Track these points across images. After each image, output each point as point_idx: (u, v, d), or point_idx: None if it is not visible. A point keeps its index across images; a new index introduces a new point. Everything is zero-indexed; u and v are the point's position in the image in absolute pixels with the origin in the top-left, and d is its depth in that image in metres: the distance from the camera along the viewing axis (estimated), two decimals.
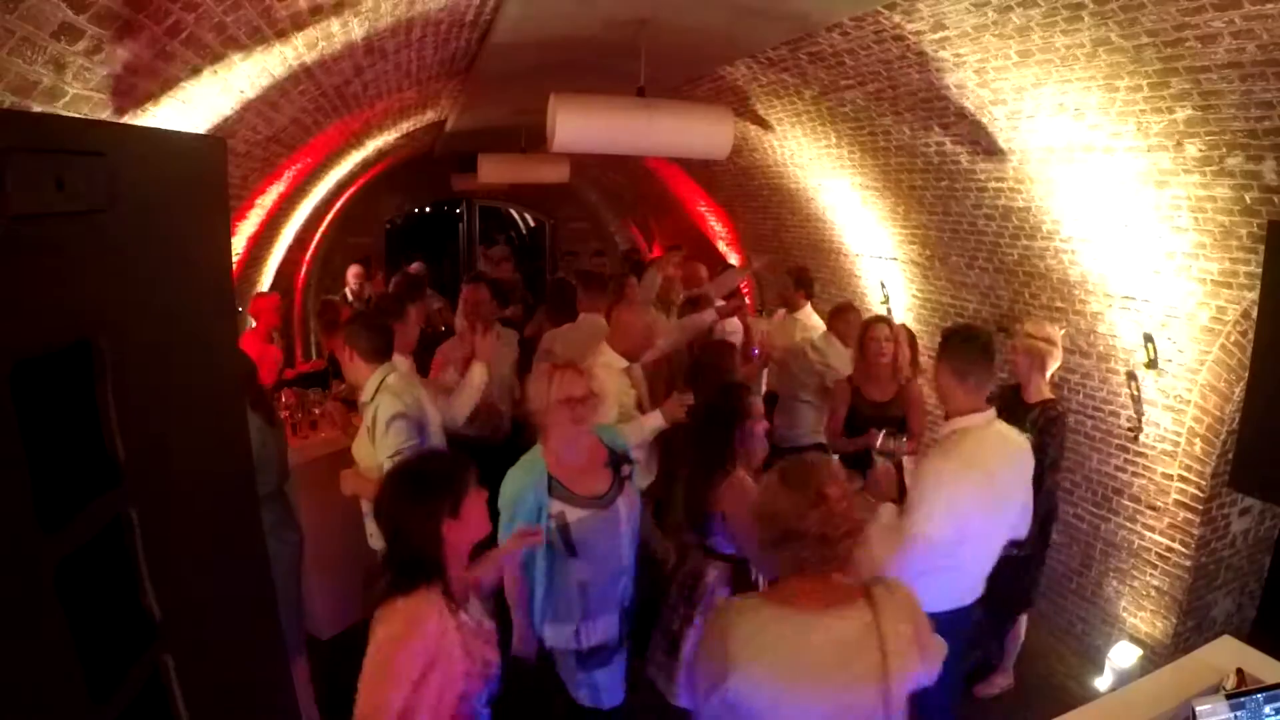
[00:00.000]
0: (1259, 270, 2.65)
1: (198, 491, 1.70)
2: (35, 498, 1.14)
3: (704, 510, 2.69)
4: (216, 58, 2.31)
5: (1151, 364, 3.35)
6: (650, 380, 3.93)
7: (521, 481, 2.43)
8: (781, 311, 5.42)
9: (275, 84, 2.95)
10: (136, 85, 2.03)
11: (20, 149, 1.13)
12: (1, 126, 1.18)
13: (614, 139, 3.95)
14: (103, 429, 1.36)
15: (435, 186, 10.27)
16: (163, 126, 2.31)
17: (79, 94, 1.78)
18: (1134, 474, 3.58)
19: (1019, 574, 3.17)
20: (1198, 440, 3.24)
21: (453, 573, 1.80)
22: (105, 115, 1.96)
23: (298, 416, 4.43)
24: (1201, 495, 3.26)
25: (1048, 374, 3.37)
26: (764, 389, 5.00)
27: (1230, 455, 2.99)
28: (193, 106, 2.48)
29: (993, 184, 3.74)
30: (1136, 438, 3.54)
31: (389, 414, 2.75)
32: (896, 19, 2.93)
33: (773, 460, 3.14)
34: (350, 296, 7.17)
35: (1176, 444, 3.35)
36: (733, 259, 8.01)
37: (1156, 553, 3.50)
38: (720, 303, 4.76)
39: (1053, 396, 3.36)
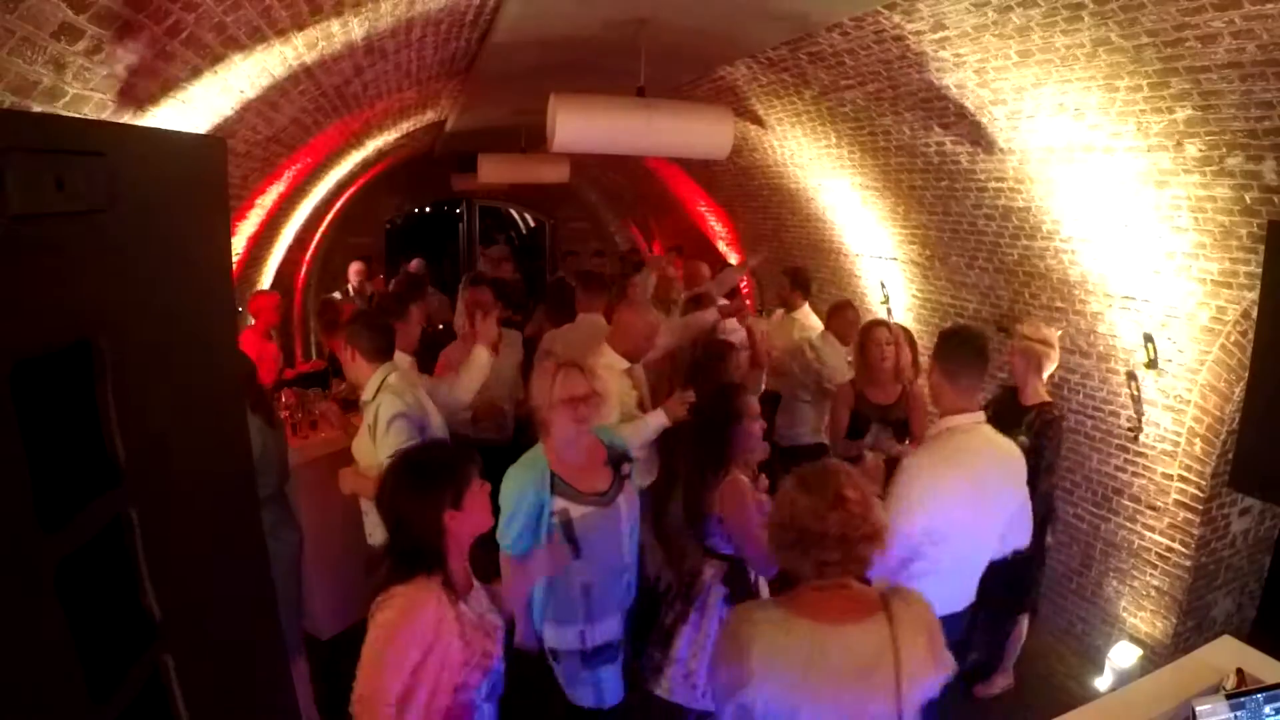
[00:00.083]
0: (1259, 270, 2.65)
1: (198, 491, 1.70)
2: (35, 498, 1.14)
3: (701, 511, 2.70)
4: (216, 58, 2.31)
5: (1151, 364, 3.35)
6: (654, 380, 3.93)
7: (523, 479, 2.43)
8: (780, 311, 5.43)
9: (275, 84, 2.95)
10: (136, 85, 2.03)
11: (20, 149, 1.13)
12: (1, 126, 1.18)
13: (614, 139, 3.95)
14: (103, 429, 1.36)
15: (435, 186, 10.27)
16: (163, 126, 2.31)
17: (79, 94, 1.78)
18: (1134, 474, 3.58)
19: (1018, 575, 3.17)
20: (1198, 440, 3.24)
21: (453, 563, 1.80)
22: (105, 115, 1.96)
23: (298, 417, 4.43)
24: (1201, 495, 3.26)
25: (1044, 376, 3.37)
26: (762, 388, 5.00)
27: (1230, 455, 2.99)
28: (193, 106, 2.48)
29: (993, 184, 3.74)
30: (1136, 438, 3.54)
31: (390, 413, 2.75)
32: (896, 19, 2.93)
33: (774, 459, 3.16)
34: (351, 292, 7.18)
35: (1176, 444, 3.35)
36: (733, 259, 8.01)
37: (1156, 553, 3.50)
38: (723, 302, 4.77)
39: (1050, 399, 3.36)
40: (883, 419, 3.55)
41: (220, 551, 1.79)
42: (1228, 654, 2.34)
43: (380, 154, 6.82)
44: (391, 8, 2.79)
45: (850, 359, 4.34)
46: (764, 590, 2.84)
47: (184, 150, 1.82)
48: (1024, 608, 3.57)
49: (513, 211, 13.44)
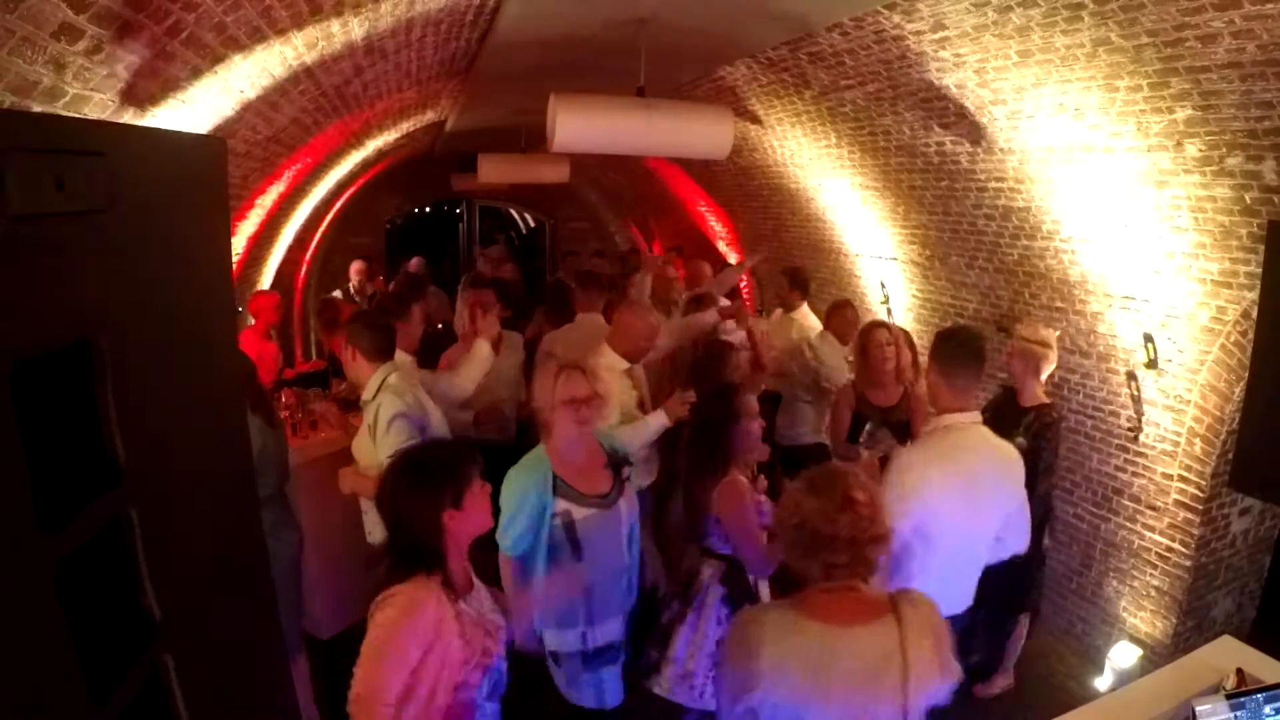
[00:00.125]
0: (1259, 270, 2.65)
1: (198, 491, 1.70)
2: (35, 498, 1.14)
3: (700, 511, 2.70)
4: (216, 58, 2.31)
5: (1151, 364, 3.35)
6: (654, 380, 3.93)
7: (525, 480, 2.43)
8: (779, 311, 5.44)
9: (275, 84, 2.95)
10: (136, 85, 2.03)
11: (20, 149, 1.13)
12: (1, 126, 1.18)
13: (614, 139, 3.96)
14: (103, 429, 1.36)
15: (435, 186, 10.27)
16: (163, 126, 2.31)
17: (79, 94, 1.78)
18: (1134, 474, 3.58)
19: (1018, 576, 3.17)
20: (1198, 440, 3.24)
21: (453, 563, 1.80)
22: (105, 115, 1.96)
23: (297, 416, 4.43)
24: (1201, 495, 3.26)
25: (1042, 377, 3.37)
26: (762, 388, 5.00)
27: (1230, 455, 2.99)
28: (193, 106, 2.48)
29: (993, 184, 3.74)
30: (1136, 438, 3.54)
31: (391, 413, 2.75)
32: (896, 19, 2.93)
33: (776, 459, 3.16)
34: (353, 291, 7.17)
35: (1176, 444, 3.35)
36: (733, 259, 8.01)
37: (1156, 553, 3.50)
38: (725, 302, 4.77)
39: (1048, 401, 3.37)
40: (884, 420, 3.55)
41: (220, 551, 1.79)
42: (1228, 654, 2.34)
43: (380, 154, 6.82)
44: (391, 8, 2.79)
45: (849, 359, 4.34)
46: (763, 590, 2.85)
47: (184, 150, 1.82)
48: (1024, 608, 3.57)
49: (513, 211, 13.44)
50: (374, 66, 3.55)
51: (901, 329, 4.17)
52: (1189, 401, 3.25)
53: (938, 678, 1.63)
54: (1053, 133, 3.14)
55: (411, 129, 6.27)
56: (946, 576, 2.42)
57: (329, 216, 8.15)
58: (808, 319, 5.20)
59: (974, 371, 2.49)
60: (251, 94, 2.87)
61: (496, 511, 2.01)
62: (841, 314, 4.68)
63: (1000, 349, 3.87)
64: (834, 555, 1.62)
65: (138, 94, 2.08)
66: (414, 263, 8.25)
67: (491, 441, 4.05)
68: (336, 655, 1.78)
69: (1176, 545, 3.40)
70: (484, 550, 2.09)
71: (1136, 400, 3.49)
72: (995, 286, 4.27)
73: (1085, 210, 3.35)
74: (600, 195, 11.00)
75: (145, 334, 1.50)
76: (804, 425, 4.66)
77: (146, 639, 1.44)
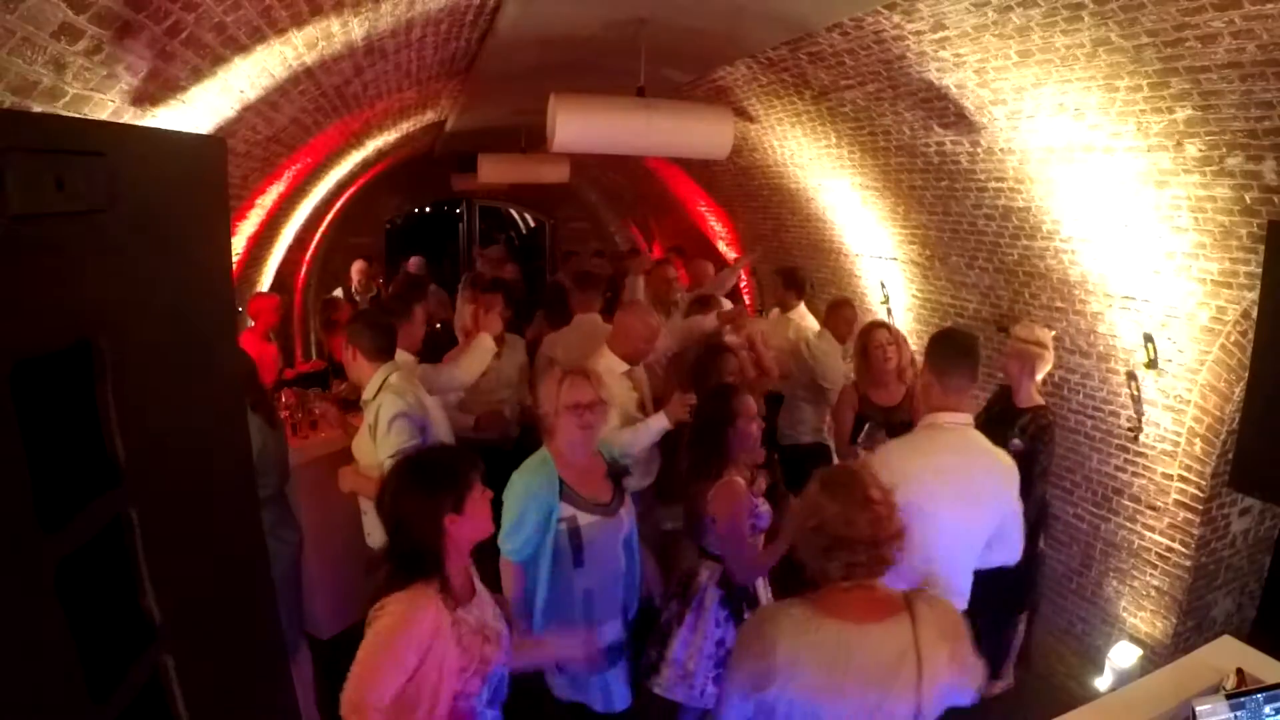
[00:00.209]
0: (1259, 270, 2.65)
1: (198, 491, 1.70)
2: (35, 498, 1.14)
3: (698, 511, 2.70)
4: (216, 58, 2.31)
5: (1151, 364, 3.35)
6: (654, 382, 3.93)
7: (532, 484, 2.42)
8: (775, 311, 5.45)
9: (275, 84, 2.95)
10: (136, 85, 2.03)
11: (20, 149, 1.13)
12: (1, 126, 1.18)
13: (614, 139, 3.96)
14: (103, 429, 1.36)
15: (435, 186, 10.27)
16: (163, 126, 2.31)
17: (79, 94, 1.78)
18: (1134, 474, 3.58)
19: (1017, 577, 3.16)
20: (1198, 440, 3.24)
21: (452, 569, 1.80)
22: (106, 115, 1.96)
23: (298, 416, 4.43)
24: (1201, 495, 3.26)
25: (1038, 378, 3.38)
26: (766, 391, 5.01)
27: (1230, 455, 2.99)
28: (193, 107, 2.48)
29: (993, 184, 3.74)
30: (1136, 438, 3.54)
31: (391, 413, 2.75)
32: (896, 19, 2.93)
33: (779, 459, 3.16)
34: (354, 291, 7.17)
35: (1176, 444, 3.35)
36: (733, 258, 8.02)
37: (1156, 553, 3.50)
38: (727, 305, 4.78)
39: (1043, 403, 3.37)
40: (887, 420, 3.55)
41: (220, 551, 1.79)
42: (1228, 654, 2.34)
43: (380, 154, 6.82)
44: (391, 8, 2.79)
45: (848, 358, 4.35)
46: (762, 591, 2.85)
47: (184, 150, 1.82)
48: (1023, 608, 3.57)
49: (513, 211, 13.45)
50: (374, 66, 3.55)
51: (895, 328, 4.18)
52: (1189, 401, 3.25)
53: (952, 676, 1.64)
54: (1053, 133, 3.14)
55: (411, 129, 6.27)
56: (931, 574, 2.40)
57: (329, 216, 8.15)
58: (805, 319, 5.21)
59: (967, 372, 2.49)
60: (251, 94, 2.87)
61: (497, 516, 2.01)
62: (839, 313, 4.69)
63: (1000, 349, 3.88)
64: (854, 555, 1.64)
65: (137, 94, 2.08)
66: (413, 263, 8.26)
67: (491, 443, 4.05)
68: (336, 655, 1.78)
69: (1176, 545, 3.40)
70: (483, 555, 2.08)
71: (1136, 400, 3.49)
72: (995, 286, 4.27)
73: (1085, 210, 3.35)
74: (600, 195, 10.99)
75: (145, 334, 1.50)
76: (804, 425, 4.67)
77: (146, 639, 1.44)
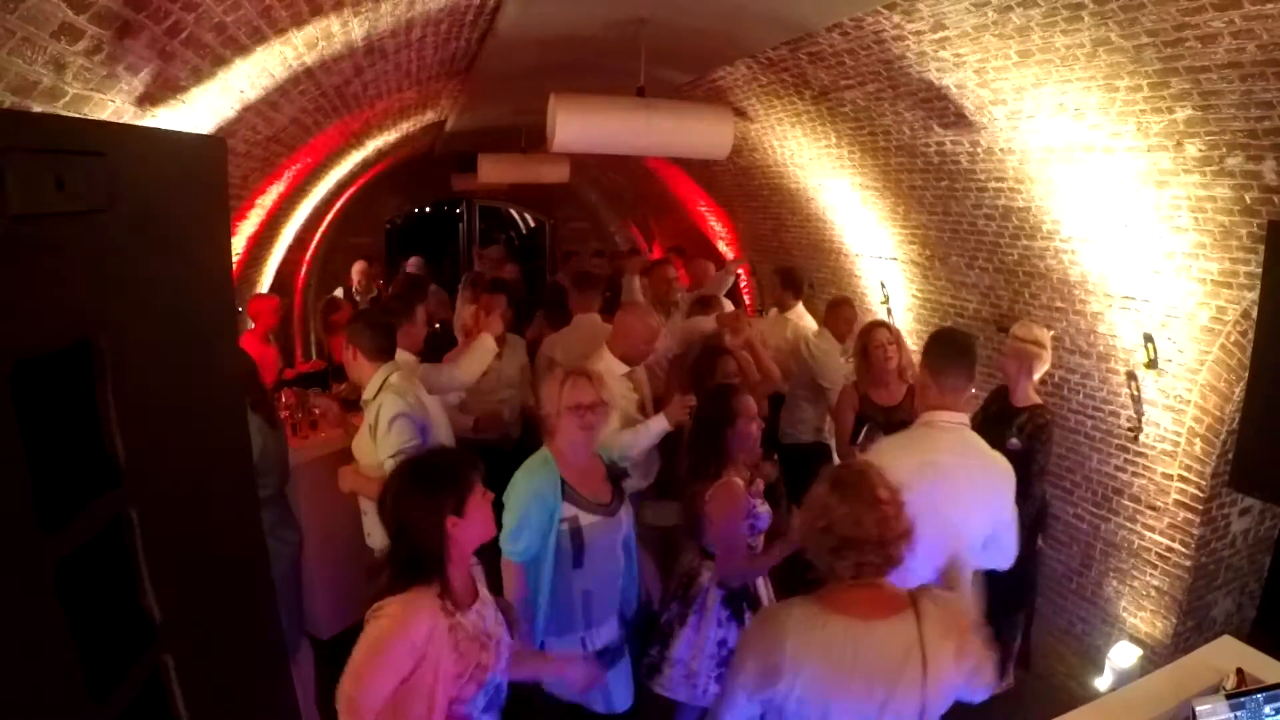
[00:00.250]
0: (1259, 270, 2.65)
1: (198, 491, 1.70)
2: (35, 498, 1.14)
3: (697, 511, 2.71)
4: (216, 58, 2.31)
5: (1151, 364, 3.35)
6: (664, 383, 3.93)
7: (535, 484, 2.42)
8: (773, 311, 5.47)
9: (275, 84, 2.95)
10: (136, 85, 2.03)
11: (20, 149, 1.13)
12: (1, 126, 1.18)
13: (614, 139, 3.96)
14: (103, 429, 1.36)
15: (435, 186, 10.27)
16: (163, 126, 2.31)
17: (79, 94, 1.78)
18: (1134, 474, 3.58)
19: (1014, 577, 3.16)
20: (1198, 440, 3.24)
21: (453, 572, 1.79)
22: (105, 115, 1.96)
23: (298, 416, 4.43)
24: (1201, 495, 3.26)
25: (1035, 377, 3.38)
26: (769, 393, 5.01)
27: (1230, 455, 2.99)
28: (193, 106, 2.48)
29: (993, 184, 3.74)
30: (1136, 438, 3.53)
31: (392, 413, 2.75)
32: (896, 19, 2.93)
33: (781, 457, 3.17)
34: (355, 291, 7.17)
35: (1176, 444, 3.35)
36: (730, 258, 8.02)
37: (1156, 553, 3.50)
38: (729, 305, 4.78)
39: (1040, 402, 3.37)
40: (888, 420, 3.55)
41: (220, 551, 1.79)
42: (1228, 654, 2.34)
43: (380, 154, 6.82)
44: (391, 8, 2.79)
45: (847, 358, 4.35)
46: (763, 592, 2.85)
47: (184, 150, 1.82)
48: (1022, 608, 3.57)
49: (513, 211, 13.45)
50: (374, 66, 3.55)
51: (897, 329, 4.18)
52: (1189, 401, 3.25)
53: (959, 672, 1.66)
54: (1053, 133, 3.14)
55: (411, 129, 6.27)
56: (921, 572, 2.40)
57: (329, 216, 8.14)
58: (802, 319, 5.22)
59: (964, 372, 2.50)
60: (251, 94, 2.87)
61: (498, 517, 2.00)
62: (839, 312, 4.69)
63: (1000, 350, 3.87)
64: (862, 556, 1.65)
65: (138, 94, 2.08)
66: (412, 263, 8.25)
67: (491, 443, 4.05)
68: (337, 655, 1.78)
69: (1176, 545, 3.40)
70: (484, 557, 2.08)
71: (1136, 400, 3.49)
72: (995, 286, 4.27)
73: (1085, 210, 3.35)
74: (600, 195, 10.99)
75: (145, 334, 1.50)
76: (804, 424, 4.67)
77: (146, 639, 1.44)
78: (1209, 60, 2.30)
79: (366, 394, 2.93)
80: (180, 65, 2.16)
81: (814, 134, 4.70)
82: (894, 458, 2.32)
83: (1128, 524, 3.64)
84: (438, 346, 4.42)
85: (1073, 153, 3.14)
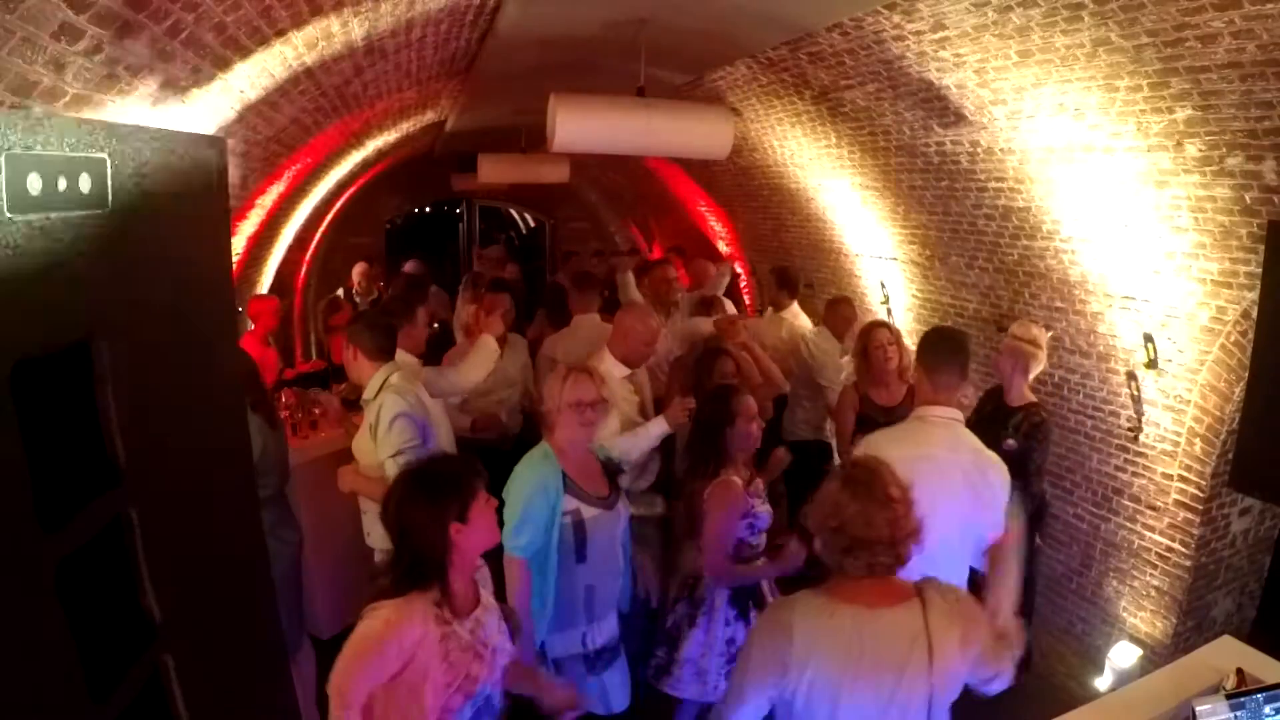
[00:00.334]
0: (1259, 270, 2.65)
1: (198, 491, 1.70)
2: (35, 498, 1.14)
3: (697, 511, 2.71)
4: (216, 58, 2.31)
5: (1151, 364, 3.35)
6: (666, 385, 3.92)
7: (537, 477, 2.42)
8: (769, 310, 5.48)
9: (275, 84, 2.95)
10: (137, 85, 2.03)
11: (20, 149, 1.13)
12: (1, 126, 1.18)
13: (614, 139, 3.96)
14: (103, 429, 1.36)
15: (435, 186, 10.27)
16: (163, 126, 2.31)
17: (79, 94, 1.78)
18: (1134, 474, 3.58)
19: None
20: (1198, 440, 3.24)
21: (455, 579, 1.79)
22: (105, 115, 1.96)
23: (298, 416, 4.43)
24: (1201, 495, 3.26)
25: (1030, 376, 3.38)
26: (773, 395, 5.02)
27: (1230, 455, 2.99)
28: (193, 107, 2.48)
29: (993, 184, 3.74)
30: (1136, 438, 3.53)
31: (392, 413, 2.75)
32: (896, 19, 2.93)
33: (770, 451, 3.17)
34: (355, 293, 7.16)
35: (1176, 444, 3.35)
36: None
37: (1156, 553, 3.50)
38: (730, 306, 4.78)
39: (1035, 400, 3.37)
40: (888, 421, 3.55)
41: (220, 551, 1.79)
42: (1228, 654, 2.34)
43: (380, 154, 6.82)
44: (391, 8, 2.79)
45: (846, 357, 4.35)
46: (767, 591, 2.85)
47: (184, 150, 1.81)
48: (1020, 608, 3.56)
49: (513, 211, 13.45)
50: (374, 66, 3.55)
51: (897, 329, 4.18)
52: (1189, 401, 3.25)
53: (965, 659, 1.67)
54: (1053, 133, 3.14)
55: (411, 129, 6.27)
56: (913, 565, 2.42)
57: (329, 217, 8.14)
58: (798, 318, 5.23)
59: (956, 367, 2.53)
60: (252, 94, 2.87)
61: (500, 522, 2.00)
62: (837, 310, 4.70)
63: (998, 349, 3.87)
64: (874, 556, 1.66)
65: (138, 93, 2.08)
66: (410, 265, 8.24)
67: (489, 443, 4.05)
68: (337, 655, 1.79)
69: (1176, 545, 3.40)
70: (484, 557, 2.07)
71: (1136, 400, 3.49)
72: (995, 286, 4.27)
73: (1085, 210, 3.35)
74: (600, 195, 10.99)
75: (145, 334, 1.50)
76: (802, 423, 4.68)
77: (146, 639, 1.44)
78: (1209, 60, 2.30)
79: (367, 394, 2.93)
80: (180, 65, 2.16)
81: (814, 134, 4.70)
82: (887, 450, 2.32)
83: (1128, 524, 3.64)
84: (438, 347, 4.41)
85: (1073, 153, 3.14)
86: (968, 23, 2.74)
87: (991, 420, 3.29)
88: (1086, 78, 2.71)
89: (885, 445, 2.39)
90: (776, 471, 3.11)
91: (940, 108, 3.49)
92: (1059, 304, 3.81)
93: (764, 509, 2.77)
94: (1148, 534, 3.54)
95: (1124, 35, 2.41)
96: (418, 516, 1.76)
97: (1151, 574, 3.53)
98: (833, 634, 1.64)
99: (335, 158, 5.57)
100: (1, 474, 1.09)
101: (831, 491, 1.73)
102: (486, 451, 3.43)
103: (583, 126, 3.79)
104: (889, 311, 5.29)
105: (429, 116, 6.03)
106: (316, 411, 4.47)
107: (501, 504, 2.16)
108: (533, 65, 4.35)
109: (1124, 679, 3.37)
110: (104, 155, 1.34)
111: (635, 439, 3.10)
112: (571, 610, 2.47)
